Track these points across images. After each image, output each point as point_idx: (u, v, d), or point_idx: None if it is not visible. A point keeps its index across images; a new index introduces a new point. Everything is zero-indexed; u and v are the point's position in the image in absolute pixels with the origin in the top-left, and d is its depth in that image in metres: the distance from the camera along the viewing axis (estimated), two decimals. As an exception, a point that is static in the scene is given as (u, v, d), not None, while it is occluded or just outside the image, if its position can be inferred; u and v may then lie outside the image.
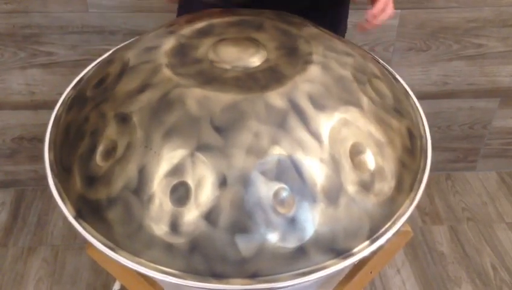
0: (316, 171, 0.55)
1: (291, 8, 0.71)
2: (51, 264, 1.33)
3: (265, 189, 0.54)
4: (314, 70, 0.61)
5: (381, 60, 0.77)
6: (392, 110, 0.64)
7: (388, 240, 0.58)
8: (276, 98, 0.57)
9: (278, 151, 0.54)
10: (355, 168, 0.57)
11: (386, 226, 0.58)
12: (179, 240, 0.54)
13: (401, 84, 0.73)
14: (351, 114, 0.59)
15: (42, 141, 0.65)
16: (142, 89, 0.60)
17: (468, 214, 1.50)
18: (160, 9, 1.21)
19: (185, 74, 0.60)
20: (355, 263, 0.57)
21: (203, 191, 0.54)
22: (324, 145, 0.56)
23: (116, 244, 0.56)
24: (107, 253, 0.56)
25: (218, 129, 0.55)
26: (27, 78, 1.33)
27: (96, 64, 0.74)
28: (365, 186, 0.57)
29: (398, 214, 0.59)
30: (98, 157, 0.58)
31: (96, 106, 0.61)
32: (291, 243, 0.54)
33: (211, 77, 0.60)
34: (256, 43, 0.65)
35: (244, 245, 0.53)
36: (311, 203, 0.54)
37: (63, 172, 0.62)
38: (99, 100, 0.62)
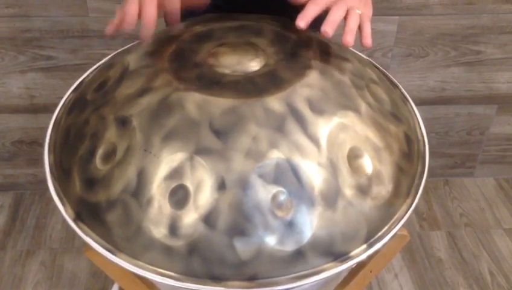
0: (314, 174, 0.55)
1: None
2: (49, 267, 1.33)
3: (263, 192, 0.54)
4: (312, 75, 0.61)
5: (380, 65, 0.78)
6: (390, 115, 0.64)
7: (385, 244, 0.58)
8: (275, 102, 0.58)
9: (276, 155, 0.55)
10: (353, 172, 0.57)
11: (384, 230, 0.59)
12: (177, 243, 0.54)
13: (399, 90, 0.73)
14: (349, 119, 0.59)
15: (41, 144, 0.66)
16: (142, 92, 0.60)
17: (466, 219, 1.50)
18: (161, 14, 1.22)
19: (184, 78, 0.61)
20: (352, 267, 0.58)
21: (202, 194, 0.54)
22: (322, 149, 0.57)
23: (115, 246, 0.56)
24: (106, 255, 0.56)
25: (217, 133, 0.56)
26: (27, 81, 1.34)
27: (96, 68, 0.74)
28: (363, 190, 0.57)
29: (395, 218, 0.60)
30: (98, 160, 0.58)
31: (96, 109, 0.62)
32: (289, 246, 0.54)
33: (211, 81, 0.60)
34: (255, 48, 0.65)
35: (243, 248, 0.53)
36: (309, 206, 0.55)
37: (62, 175, 0.62)
38: (99, 103, 0.62)
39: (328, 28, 0.61)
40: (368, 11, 0.64)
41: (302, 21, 0.61)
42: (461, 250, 1.41)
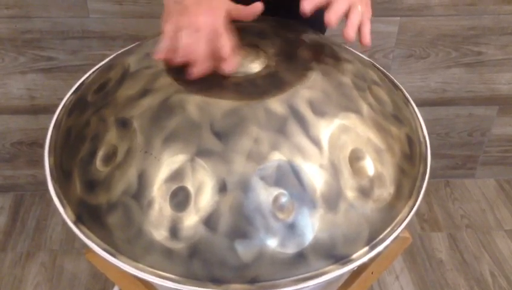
0: (316, 177, 0.55)
1: None
2: (49, 269, 1.33)
3: (264, 194, 0.54)
4: (314, 77, 0.61)
5: (381, 66, 0.77)
6: (392, 116, 0.64)
7: (387, 246, 0.58)
8: (276, 104, 0.58)
9: (277, 157, 0.55)
10: (355, 174, 0.57)
11: (385, 232, 0.59)
12: (178, 245, 0.54)
13: (401, 91, 0.73)
14: (350, 120, 0.59)
15: (42, 145, 0.65)
16: (143, 94, 0.60)
17: (467, 221, 1.50)
18: (161, 15, 1.22)
19: (185, 80, 0.60)
20: (354, 269, 0.57)
21: (203, 197, 0.54)
22: (324, 151, 0.56)
23: (115, 249, 0.56)
24: (107, 258, 0.56)
25: (218, 135, 0.55)
26: (27, 82, 1.33)
27: (97, 70, 0.74)
28: (364, 192, 0.57)
29: (397, 220, 0.60)
30: (98, 162, 0.58)
31: (97, 111, 0.62)
32: (291, 249, 0.54)
33: (211, 83, 0.60)
34: (257, 50, 0.65)
35: (244, 250, 0.53)
36: (310, 209, 0.55)
37: (63, 177, 0.62)
38: (100, 105, 0.62)
39: (332, 16, 0.60)
40: (368, 11, 0.64)
41: (309, 4, 0.60)
42: (462, 251, 1.41)
